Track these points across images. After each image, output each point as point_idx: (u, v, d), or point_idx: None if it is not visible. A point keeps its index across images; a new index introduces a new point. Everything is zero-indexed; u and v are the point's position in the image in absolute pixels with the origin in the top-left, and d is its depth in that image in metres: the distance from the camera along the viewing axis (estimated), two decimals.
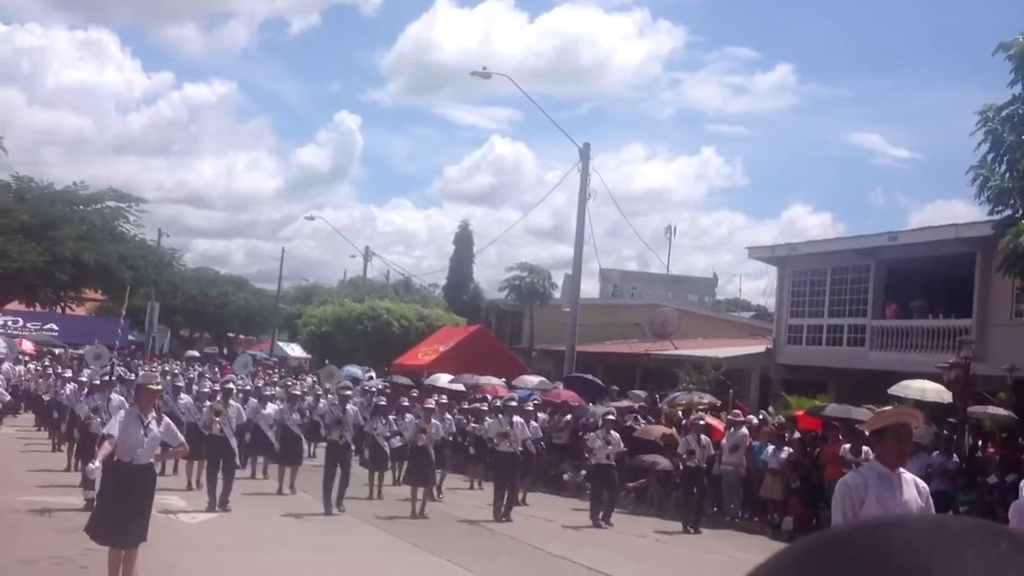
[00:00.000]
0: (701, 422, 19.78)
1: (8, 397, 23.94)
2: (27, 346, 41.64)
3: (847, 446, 17.98)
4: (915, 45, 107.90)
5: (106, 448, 10.13)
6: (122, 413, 10.73)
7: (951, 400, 19.40)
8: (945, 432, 18.79)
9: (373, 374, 35.36)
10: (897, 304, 26.90)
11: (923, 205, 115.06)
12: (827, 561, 0.84)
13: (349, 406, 19.15)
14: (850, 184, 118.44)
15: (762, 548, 17.09)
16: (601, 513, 18.49)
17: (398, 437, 20.48)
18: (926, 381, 20.03)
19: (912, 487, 6.28)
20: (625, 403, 24.82)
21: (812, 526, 18.06)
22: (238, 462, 18.20)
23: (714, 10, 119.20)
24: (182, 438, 11.31)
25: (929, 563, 0.79)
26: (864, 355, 27.20)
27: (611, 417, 19.92)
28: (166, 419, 11.03)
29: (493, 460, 19.70)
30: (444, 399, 23.17)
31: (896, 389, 19.89)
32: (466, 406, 25.20)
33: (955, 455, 18.12)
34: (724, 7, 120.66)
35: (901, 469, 6.33)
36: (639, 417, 23.55)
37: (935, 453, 17.86)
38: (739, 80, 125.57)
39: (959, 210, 58.04)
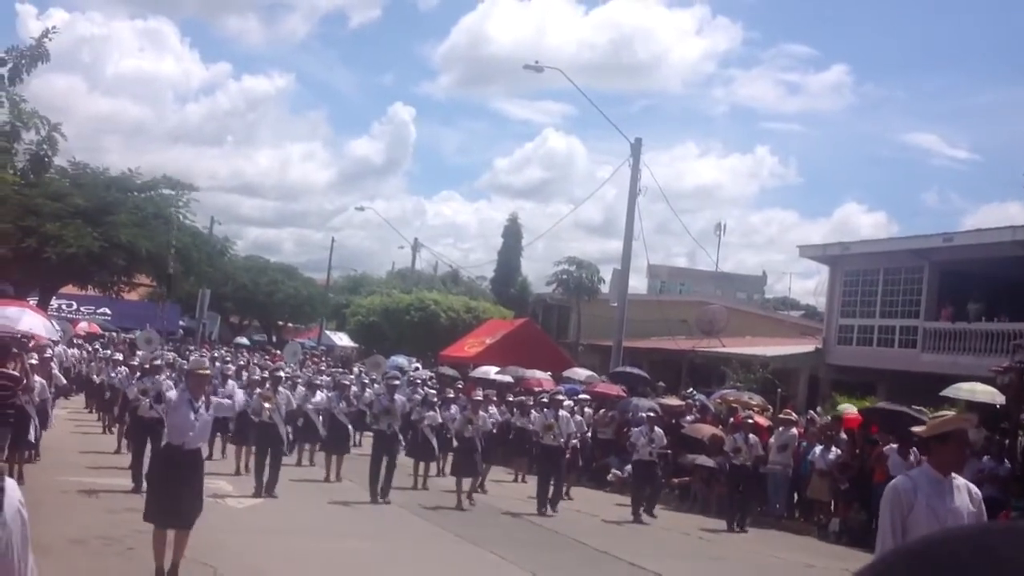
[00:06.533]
0: (749, 420, 19.67)
1: (63, 380, 24.29)
2: (83, 327, 42.22)
3: (893, 446, 17.79)
4: (974, 44, 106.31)
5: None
6: (174, 393, 10.84)
7: (1003, 403, 19.10)
8: (997, 437, 18.51)
9: (419, 365, 35.48)
10: (954, 307, 26.51)
11: (978, 207, 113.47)
12: (937, 570, 0.80)
13: (397, 396, 19.22)
14: (905, 184, 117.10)
15: (808, 549, 16.98)
16: (642, 508, 18.47)
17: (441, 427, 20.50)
18: (976, 383, 19.74)
19: (964, 492, 6.16)
20: (675, 402, 24.70)
21: (860, 528, 17.89)
22: (285, 450, 18.34)
23: (772, 7, 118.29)
24: (235, 404, 11.53)
25: None
26: (915, 357, 26.85)
27: (653, 414, 19.87)
28: (214, 399, 11.09)
29: (538, 453, 19.68)
30: (492, 392, 23.15)
31: (948, 392, 19.62)
32: (511, 399, 25.20)
33: (1007, 461, 17.84)
34: (783, 3, 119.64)
35: (953, 474, 6.22)
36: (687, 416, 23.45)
37: (986, 458, 17.59)
38: (795, 78, 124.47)
39: (1013, 212, 57.32)
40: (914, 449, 17.32)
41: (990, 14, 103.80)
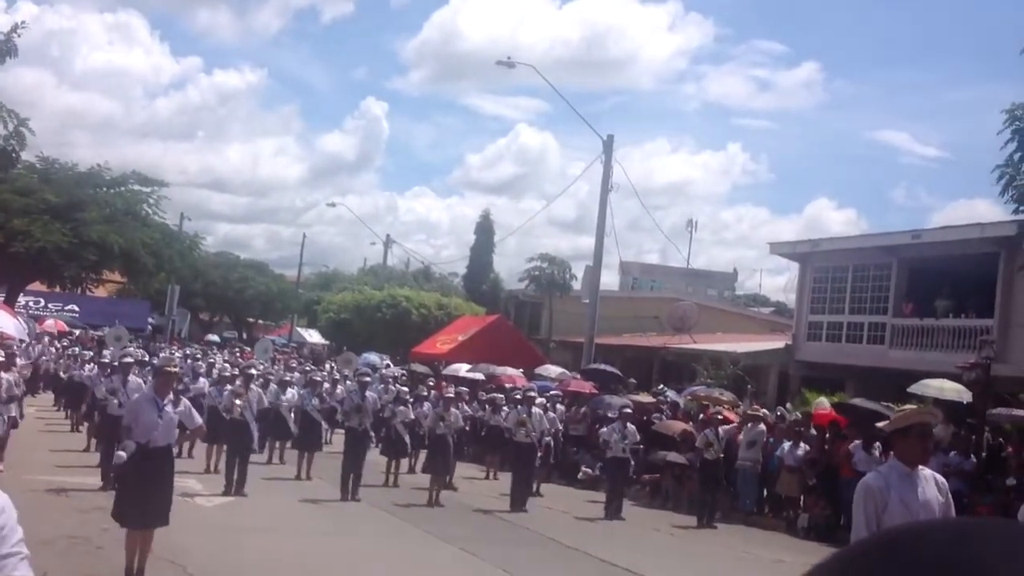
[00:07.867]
0: (719, 417, 19.78)
1: (28, 374, 24.08)
2: (50, 324, 41.81)
3: (858, 443, 17.95)
4: (945, 43, 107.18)
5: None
6: (137, 396, 10.83)
7: (970, 400, 19.29)
8: (963, 432, 18.69)
9: (390, 362, 35.40)
10: (916, 303, 26.72)
11: (945, 204, 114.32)
12: (890, 566, 0.82)
13: (369, 393, 19.17)
14: (876, 181, 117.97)
15: (777, 544, 17.08)
16: (613, 505, 18.52)
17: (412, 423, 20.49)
18: (944, 380, 19.93)
19: (932, 484, 6.25)
20: (646, 398, 24.78)
21: (827, 524, 18.04)
22: (255, 447, 18.26)
23: (744, 3, 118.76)
24: (200, 420, 11.27)
25: (998, 571, 0.77)
26: (884, 353, 27.05)
27: (627, 410, 19.91)
28: (184, 400, 11.08)
29: (510, 450, 19.70)
30: (464, 389, 23.13)
31: (915, 388, 19.79)
32: (483, 396, 25.20)
33: (972, 456, 18.02)
34: (754, 0, 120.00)
35: (920, 466, 6.30)
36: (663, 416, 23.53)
37: (952, 453, 17.77)
38: (766, 75, 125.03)
39: (981, 209, 57.89)
40: (877, 444, 17.51)
41: (960, 12, 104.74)
